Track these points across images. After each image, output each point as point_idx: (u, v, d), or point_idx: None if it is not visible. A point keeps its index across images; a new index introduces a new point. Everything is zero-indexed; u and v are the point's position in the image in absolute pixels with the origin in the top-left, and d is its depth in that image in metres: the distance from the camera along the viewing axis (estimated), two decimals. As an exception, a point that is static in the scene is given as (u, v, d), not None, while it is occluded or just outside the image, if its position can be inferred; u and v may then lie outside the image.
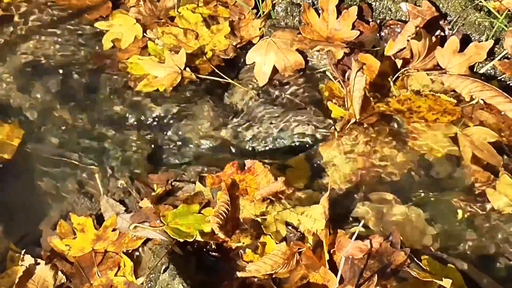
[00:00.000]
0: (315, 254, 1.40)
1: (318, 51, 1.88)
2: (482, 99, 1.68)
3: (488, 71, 1.80)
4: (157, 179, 1.67)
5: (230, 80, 1.89)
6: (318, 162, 1.66)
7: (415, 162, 1.61)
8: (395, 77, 1.77)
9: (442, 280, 1.25)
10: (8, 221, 1.64)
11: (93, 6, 2.13)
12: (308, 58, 1.90)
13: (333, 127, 1.71)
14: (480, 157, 1.58)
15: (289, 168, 1.65)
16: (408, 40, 1.75)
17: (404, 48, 1.79)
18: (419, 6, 1.87)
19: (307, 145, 1.73)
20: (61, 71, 1.95)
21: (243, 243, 1.45)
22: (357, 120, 1.68)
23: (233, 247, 1.46)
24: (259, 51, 1.89)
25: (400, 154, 1.63)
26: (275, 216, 1.49)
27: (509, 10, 1.77)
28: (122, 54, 1.98)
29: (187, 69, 1.88)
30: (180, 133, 1.81)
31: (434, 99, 1.69)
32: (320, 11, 1.91)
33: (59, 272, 1.51)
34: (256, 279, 1.40)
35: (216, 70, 1.89)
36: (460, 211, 1.51)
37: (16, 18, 2.10)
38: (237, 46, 1.98)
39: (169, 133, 1.81)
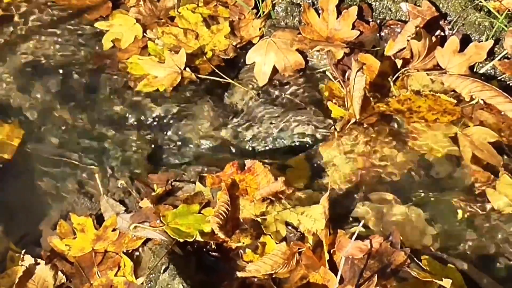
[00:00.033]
0: (315, 254, 1.40)
1: (318, 51, 1.88)
2: (482, 99, 1.68)
3: (488, 71, 1.80)
4: (157, 179, 1.67)
5: (230, 80, 1.89)
6: (318, 162, 1.66)
7: (415, 162, 1.61)
8: (395, 77, 1.77)
9: (442, 280, 1.25)
10: (8, 221, 1.64)
11: (93, 6, 2.13)
12: (308, 58, 1.90)
13: (333, 127, 1.71)
14: (480, 157, 1.58)
15: (289, 168, 1.65)
16: (408, 40, 1.75)
17: (404, 48, 1.79)
18: (419, 6, 1.87)
19: (307, 145, 1.73)
20: (61, 71, 1.95)
21: (243, 243, 1.45)
22: (357, 120, 1.68)
23: (233, 247, 1.46)
24: (259, 51, 1.89)
25: (400, 154, 1.63)
26: (275, 216, 1.49)
27: (509, 10, 1.77)
28: (122, 54, 1.98)
29: (187, 69, 1.88)
30: (180, 133, 1.81)
31: (434, 99, 1.69)
32: (320, 11, 1.91)
33: (59, 272, 1.51)
34: (256, 279, 1.40)
35: (216, 70, 1.89)
36: (460, 211, 1.51)
37: (16, 18, 2.10)
38: (237, 46, 1.98)
39: (169, 133, 1.81)
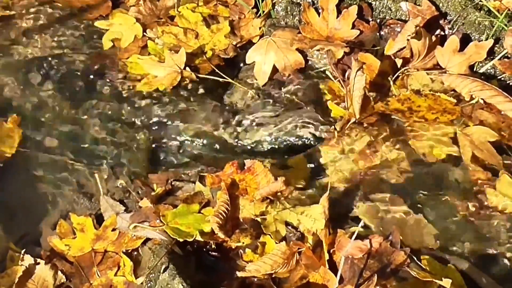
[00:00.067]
0: (315, 253, 1.40)
1: (318, 50, 1.87)
2: (482, 99, 1.68)
3: (488, 71, 1.80)
4: (157, 179, 1.67)
5: (230, 80, 1.89)
6: (318, 161, 1.65)
7: (415, 162, 1.61)
8: (395, 76, 1.77)
9: (442, 280, 1.25)
10: (8, 220, 1.64)
11: (93, 5, 2.13)
12: (308, 58, 1.90)
13: (333, 126, 1.71)
14: (480, 156, 1.58)
15: (289, 168, 1.65)
16: (408, 40, 1.75)
17: (404, 47, 1.79)
18: (419, 5, 1.87)
19: (307, 145, 1.73)
20: (60, 70, 1.95)
21: (243, 242, 1.45)
22: (357, 120, 1.67)
23: (233, 247, 1.47)
24: (259, 51, 1.88)
25: (400, 153, 1.63)
26: (275, 216, 1.49)
27: (509, 10, 1.77)
28: (122, 54, 1.98)
29: (187, 68, 1.88)
30: (179, 132, 1.80)
31: (434, 99, 1.69)
32: (320, 11, 1.91)
33: (59, 272, 1.51)
34: (255, 279, 1.40)
35: (216, 70, 1.89)
36: (460, 211, 1.51)
37: (15, 17, 2.10)
38: (237, 46, 1.98)
39: (169, 132, 1.81)
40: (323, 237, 1.40)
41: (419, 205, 1.52)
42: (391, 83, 1.76)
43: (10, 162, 1.74)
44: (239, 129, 1.79)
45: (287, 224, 1.48)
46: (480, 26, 1.80)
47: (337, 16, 1.89)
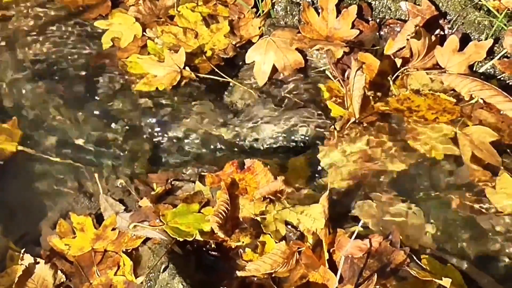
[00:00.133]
0: (315, 253, 1.40)
1: (317, 50, 1.87)
2: (481, 98, 1.68)
3: (488, 70, 1.80)
4: (156, 178, 1.67)
5: (229, 79, 1.89)
6: (318, 161, 1.65)
7: (415, 161, 1.61)
8: (394, 76, 1.77)
9: (441, 280, 1.25)
10: (8, 220, 1.64)
11: (92, 5, 2.13)
12: (307, 57, 1.90)
13: (332, 126, 1.71)
14: (480, 156, 1.58)
15: (289, 167, 1.65)
16: (407, 39, 1.75)
17: (404, 47, 1.79)
18: (418, 5, 1.87)
19: (307, 145, 1.73)
20: (60, 70, 1.95)
21: (243, 242, 1.45)
22: (356, 119, 1.68)
23: (233, 246, 1.46)
24: (258, 50, 1.88)
25: (400, 153, 1.63)
26: (275, 215, 1.49)
27: (508, 9, 1.77)
28: (122, 53, 1.98)
29: (187, 68, 1.88)
30: (179, 132, 1.80)
31: (433, 98, 1.69)
32: (319, 10, 1.91)
33: (59, 271, 1.51)
34: (255, 278, 1.40)
35: (216, 69, 1.89)
36: (460, 211, 1.51)
37: (15, 17, 2.10)
38: (237, 45, 1.98)
39: (169, 132, 1.81)
40: (323, 237, 1.40)
41: (419, 205, 1.52)
42: (391, 82, 1.76)
43: (10, 162, 1.74)
44: (238, 128, 1.79)
45: (287, 223, 1.48)
46: (480, 25, 1.80)
47: (337, 16, 1.89)
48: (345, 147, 1.66)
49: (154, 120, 1.83)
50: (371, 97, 1.71)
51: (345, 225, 1.48)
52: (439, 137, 1.64)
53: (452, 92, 1.72)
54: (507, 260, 1.42)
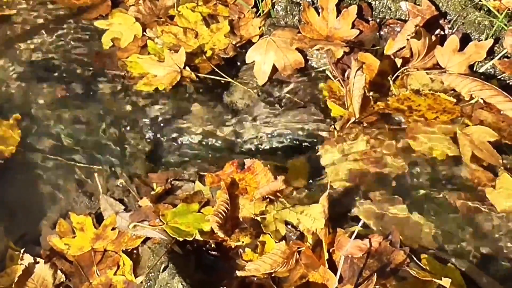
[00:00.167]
0: (315, 253, 1.40)
1: (317, 50, 1.87)
2: (481, 98, 1.68)
3: (488, 70, 1.80)
4: (156, 178, 1.67)
5: (229, 79, 1.89)
6: (318, 161, 1.65)
7: (415, 161, 1.61)
8: (394, 76, 1.77)
9: (441, 279, 1.25)
10: (8, 220, 1.64)
11: (92, 5, 2.13)
12: (307, 57, 1.90)
13: (332, 126, 1.71)
14: (480, 156, 1.58)
15: (289, 167, 1.65)
16: (407, 39, 1.75)
17: (404, 47, 1.79)
18: (418, 5, 1.86)
19: (307, 144, 1.73)
20: (60, 70, 1.95)
21: (243, 242, 1.45)
22: (356, 119, 1.67)
23: (233, 246, 1.46)
24: (258, 50, 1.88)
25: (400, 153, 1.63)
26: (275, 215, 1.49)
27: (508, 9, 1.77)
28: (122, 53, 1.98)
29: (187, 68, 1.88)
30: (179, 132, 1.80)
31: (433, 98, 1.69)
32: (319, 10, 1.91)
33: (59, 271, 1.51)
34: (255, 278, 1.40)
35: (216, 69, 1.89)
36: (459, 210, 1.51)
37: (15, 17, 2.10)
38: (237, 45, 1.98)
39: (169, 132, 1.81)
40: (322, 237, 1.40)
41: (418, 205, 1.52)
42: (391, 82, 1.76)
43: (10, 161, 1.74)
44: (238, 128, 1.79)
45: (286, 223, 1.48)
46: (480, 25, 1.80)
47: (337, 16, 1.89)
48: (345, 147, 1.66)
49: (154, 120, 1.83)
50: (371, 97, 1.71)
51: (345, 225, 1.48)
52: (439, 137, 1.64)
53: (452, 92, 1.72)
54: (507, 260, 1.42)
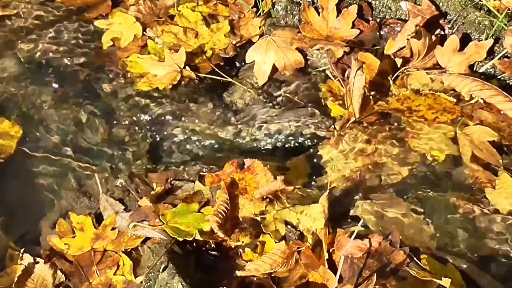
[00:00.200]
0: (315, 253, 1.40)
1: (318, 49, 1.87)
2: (481, 98, 1.68)
3: (488, 70, 1.79)
4: (156, 178, 1.67)
5: (229, 79, 1.89)
6: (318, 161, 1.65)
7: (415, 161, 1.61)
8: (394, 76, 1.77)
9: (441, 279, 1.25)
10: (8, 219, 1.63)
11: (92, 5, 2.13)
12: (308, 57, 1.90)
13: (332, 126, 1.71)
14: (480, 156, 1.58)
15: (289, 167, 1.65)
16: (408, 39, 1.75)
17: (404, 47, 1.79)
18: (419, 5, 1.86)
19: (307, 144, 1.73)
20: (60, 69, 1.95)
21: (243, 242, 1.45)
22: (356, 119, 1.67)
23: (233, 246, 1.46)
24: (259, 50, 1.88)
25: (400, 153, 1.63)
26: (275, 215, 1.49)
27: (509, 9, 1.77)
28: (122, 53, 1.98)
29: (187, 67, 1.88)
30: (179, 131, 1.80)
31: (433, 98, 1.69)
32: (320, 10, 1.90)
33: (58, 271, 1.51)
34: (255, 278, 1.40)
35: (216, 69, 1.89)
36: (459, 210, 1.51)
37: (15, 17, 2.09)
38: (237, 45, 1.98)
39: (169, 131, 1.81)
40: (322, 237, 1.40)
41: (418, 205, 1.52)
42: (391, 82, 1.76)
43: (10, 161, 1.74)
44: (238, 128, 1.78)
45: (286, 223, 1.48)
46: (480, 25, 1.80)
47: (337, 16, 1.89)
48: (345, 146, 1.66)
49: (154, 120, 1.82)
50: (371, 97, 1.71)
51: (345, 225, 1.48)
52: (439, 137, 1.64)
53: (452, 92, 1.72)
54: (507, 260, 1.42)
